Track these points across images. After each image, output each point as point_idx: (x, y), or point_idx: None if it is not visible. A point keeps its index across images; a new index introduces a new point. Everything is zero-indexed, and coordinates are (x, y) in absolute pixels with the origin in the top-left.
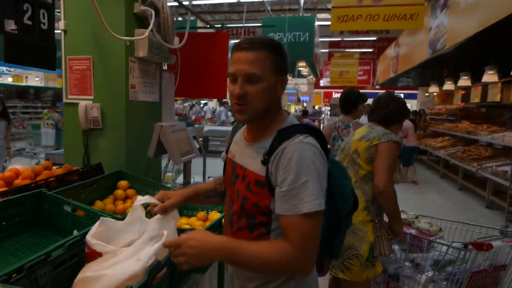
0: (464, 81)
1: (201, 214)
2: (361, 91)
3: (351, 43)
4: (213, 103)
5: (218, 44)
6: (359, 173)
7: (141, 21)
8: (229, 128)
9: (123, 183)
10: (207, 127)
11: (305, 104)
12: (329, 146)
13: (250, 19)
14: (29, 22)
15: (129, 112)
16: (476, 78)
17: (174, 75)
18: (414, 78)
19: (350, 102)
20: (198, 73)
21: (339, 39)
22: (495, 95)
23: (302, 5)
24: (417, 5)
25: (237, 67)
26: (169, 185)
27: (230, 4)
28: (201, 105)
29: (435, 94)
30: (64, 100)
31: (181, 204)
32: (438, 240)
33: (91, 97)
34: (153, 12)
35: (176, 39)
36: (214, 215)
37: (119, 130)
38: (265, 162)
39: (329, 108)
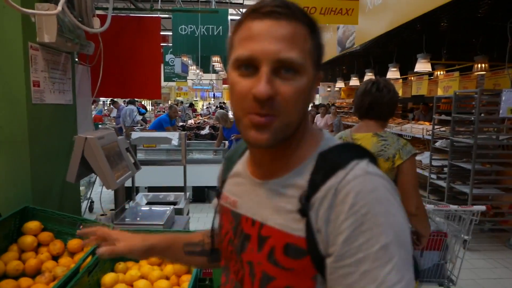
0: (369, 77)
1: None
2: None
3: None
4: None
5: (149, 32)
6: None
7: None
8: (166, 134)
9: (32, 225)
10: (136, 134)
11: (221, 100)
12: None
13: (157, 10)
14: None
15: (32, 120)
16: (380, 74)
17: (91, 69)
18: None
19: None
20: (124, 67)
21: None
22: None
23: None
24: (352, 0)
25: (261, 47)
26: (93, 219)
27: None
28: (103, 102)
29: (337, 89)
30: None
31: (140, 254)
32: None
33: None
34: None
35: (97, 21)
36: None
37: (18, 147)
38: (304, 210)
39: None
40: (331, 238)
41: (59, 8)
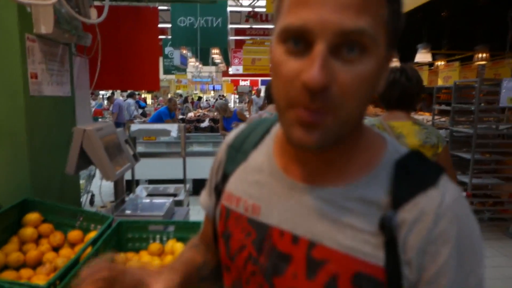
0: None
1: (155, 246)
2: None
3: (256, 30)
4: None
5: (147, 23)
6: None
7: None
8: (165, 126)
9: (32, 216)
10: (135, 126)
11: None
12: None
13: (155, 0)
14: None
15: (30, 112)
16: None
17: (89, 61)
18: None
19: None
20: (122, 59)
21: (247, 26)
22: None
23: None
24: None
25: (319, 15)
26: (93, 211)
27: None
28: (102, 96)
29: None
30: None
31: None
32: None
33: None
34: None
35: (94, 12)
36: (174, 247)
37: (16, 139)
38: (390, 234)
39: (237, 96)
40: (428, 274)
41: None
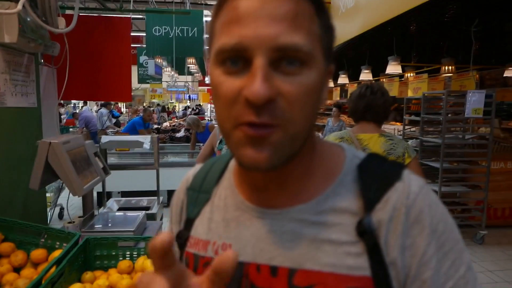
0: (343, 79)
1: (124, 263)
2: None
3: None
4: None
5: (118, 33)
6: None
7: None
8: (137, 138)
9: None
10: (106, 138)
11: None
12: (216, 151)
13: (128, 11)
14: None
15: None
16: (353, 76)
17: (58, 71)
18: None
19: None
20: (93, 69)
21: None
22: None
23: None
24: (326, 3)
25: (254, 30)
26: (60, 227)
27: None
28: (74, 105)
29: None
30: None
31: None
32: None
33: None
34: None
35: (62, 21)
36: (144, 264)
37: None
38: (371, 239)
39: (213, 105)
40: (412, 270)
41: (19, 6)
